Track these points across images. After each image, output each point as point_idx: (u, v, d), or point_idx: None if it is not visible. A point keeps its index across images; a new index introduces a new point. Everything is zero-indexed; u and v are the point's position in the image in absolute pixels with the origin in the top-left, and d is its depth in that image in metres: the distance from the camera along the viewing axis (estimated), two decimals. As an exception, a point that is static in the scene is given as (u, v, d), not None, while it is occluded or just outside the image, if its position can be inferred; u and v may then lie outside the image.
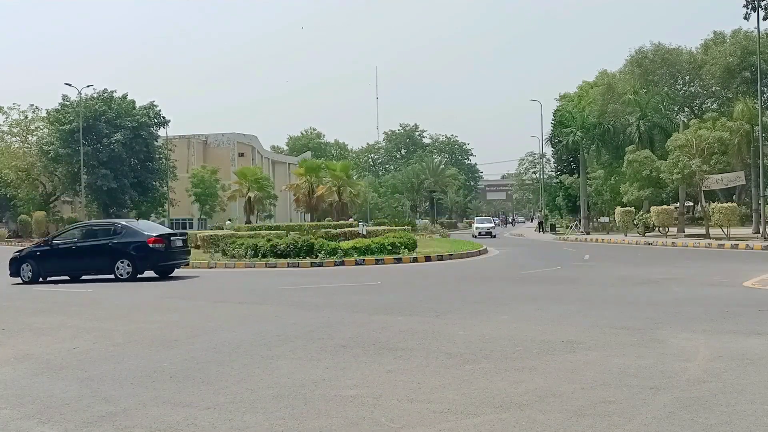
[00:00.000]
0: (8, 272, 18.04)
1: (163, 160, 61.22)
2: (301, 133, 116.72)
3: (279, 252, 21.95)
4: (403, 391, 5.86)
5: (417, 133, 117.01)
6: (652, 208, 36.16)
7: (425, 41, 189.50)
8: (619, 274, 16.45)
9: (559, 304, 11.14)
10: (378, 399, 5.64)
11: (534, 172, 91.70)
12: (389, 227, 36.10)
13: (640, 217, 37.38)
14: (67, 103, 56.08)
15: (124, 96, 57.99)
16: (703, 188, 34.15)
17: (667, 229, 34.94)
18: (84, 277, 17.98)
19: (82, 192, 53.20)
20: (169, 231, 21.05)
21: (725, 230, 30.77)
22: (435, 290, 14.02)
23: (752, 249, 25.49)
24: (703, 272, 16.06)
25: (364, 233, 28.51)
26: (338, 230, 30.92)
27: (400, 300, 12.35)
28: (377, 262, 21.58)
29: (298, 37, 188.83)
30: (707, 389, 5.72)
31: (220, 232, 30.73)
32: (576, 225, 50.62)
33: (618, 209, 40.50)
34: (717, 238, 29.92)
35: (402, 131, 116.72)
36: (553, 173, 68.71)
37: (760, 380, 5.97)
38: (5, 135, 58.96)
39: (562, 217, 63.03)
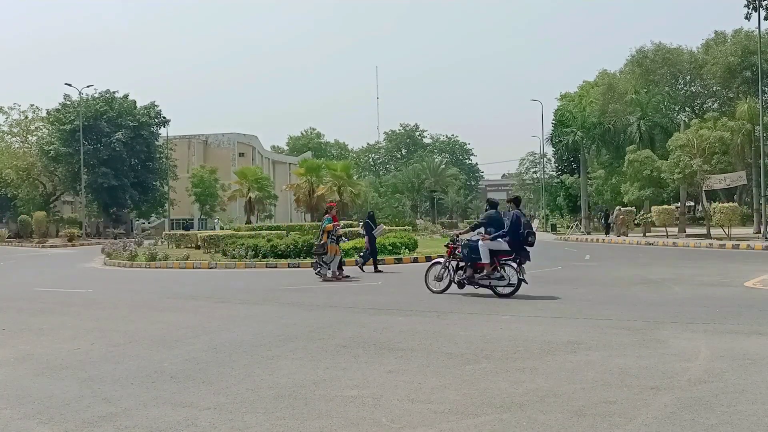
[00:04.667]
0: None
1: (164, 160, 61.27)
2: (301, 133, 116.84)
3: (279, 252, 21.93)
4: (404, 392, 5.85)
5: (417, 133, 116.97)
6: (653, 207, 36.15)
7: (425, 41, 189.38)
8: (620, 274, 16.42)
9: (560, 304, 11.13)
10: (379, 399, 5.63)
11: (535, 172, 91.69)
12: (390, 227, 36.04)
13: (642, 217, 37.39)
14: (68, 103, 56.14)
15: (125, 96, 58.08)
16: (704, 188, 34.14)
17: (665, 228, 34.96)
18: (84, 277, 17.93)
19: (83, 191, 53.21)
20: None
21: (726, 230, 30.75)
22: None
23: (753, 249, 25.46)
24: (704, 272, 16.03)
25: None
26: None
27: (400, 300, 12.34)
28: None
29: (299, 36, 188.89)
30: (708, 389, 5.71)
31: (220, 233, 30.76)
32: (577, 225, 50.59)
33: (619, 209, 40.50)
34: (718, 238, 29.89)
35: (402, 131, 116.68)
36: (554, 173, 68.75)
37: (762, 380, 5.96)
38: (5, 135, 59.03)
39: (562, 217, 63.02)
